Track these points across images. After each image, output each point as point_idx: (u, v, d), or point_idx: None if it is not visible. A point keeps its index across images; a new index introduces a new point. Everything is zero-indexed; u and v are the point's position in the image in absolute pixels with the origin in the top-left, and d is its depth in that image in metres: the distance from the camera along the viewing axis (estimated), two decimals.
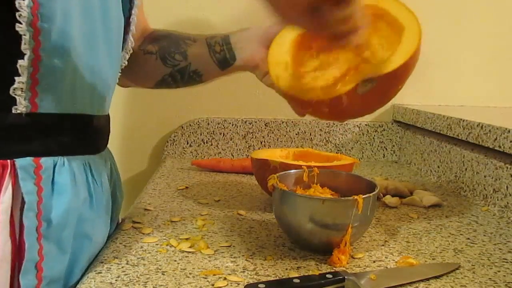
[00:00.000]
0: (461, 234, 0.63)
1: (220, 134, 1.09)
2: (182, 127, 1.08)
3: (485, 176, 0.76)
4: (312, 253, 0.55)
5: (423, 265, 0.53)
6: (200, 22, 1.05)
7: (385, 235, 0.62)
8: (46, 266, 0.45)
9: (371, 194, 0.53)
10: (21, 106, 0.44)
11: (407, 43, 0.52)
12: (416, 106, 1.05)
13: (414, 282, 0.48)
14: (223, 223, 0.65)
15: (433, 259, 0.55)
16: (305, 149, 0.82)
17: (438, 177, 0.92)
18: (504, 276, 0.51)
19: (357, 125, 1.10)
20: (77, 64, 0.47)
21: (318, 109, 0.55)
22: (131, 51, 0.63)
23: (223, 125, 1.08)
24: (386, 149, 1.12)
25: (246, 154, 1.09)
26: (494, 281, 0.49)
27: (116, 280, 0.47)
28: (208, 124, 1.08)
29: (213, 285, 0.46)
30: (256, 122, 1.08)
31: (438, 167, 0.92)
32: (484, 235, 0.63)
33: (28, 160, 0.45)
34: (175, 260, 0.52)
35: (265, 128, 1.09)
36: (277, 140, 1.09)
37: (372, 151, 1.12)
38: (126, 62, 0.63)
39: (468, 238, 0.62)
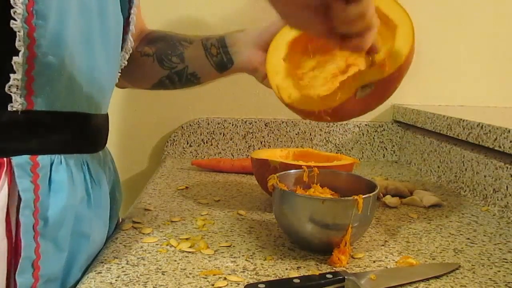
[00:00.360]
0: (461, 234, 0.63)
1: (220, 134, 1.09)
2: (182, 127, 1.08)
3: (485, 176, 0.76)
4: (312, 253, 0.55)
5: (423, 265, 0.53)
6: (196, 22, 1.05)
7: (385, 235, 0.62)
8: (43, 265, 0.45)
9: (371, 194, 0.53)
10: (17, 104, 0.44)
11: (402, 44, 0.52)
12: (416, 106, 1.05)
13: (414, 282, 0.48)
14: (223, 223, 0.65)
15: (433, 259, 0.55)
16: (305, 149, 0.82)
17: (438, 177, 0.92)
18: (504, 276, 0.51)
19: (357, 125, 1.10)
20: (73, 62, 0.47)
21: (320, 117, 0.56)
22: (131, 51, 0.63)
23: (223, 125, 1.08)
24: (386, 149, 1.12)
25: (246, 154, 1.09)
26: (494, 281, 0.49)
27: (116, 280, 0.47)
28: (208, 124, 1.08)
29: (213, 285, 0.46)
30: (256, 122, 1.08)
31: (438, 167, 0.92)
32: (484, 235, 0.63)
33: (25, 158, 0.45)
34: (175, 260, 0.52)
35: (265, 128, 1.09)
36: (277, 140, 1.09)
37: (372, 151, 1.12)
38: (126, 62, 0.63)
39: (468, 238, 0.62)
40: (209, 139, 1.09)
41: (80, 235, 0.50)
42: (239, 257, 0.53)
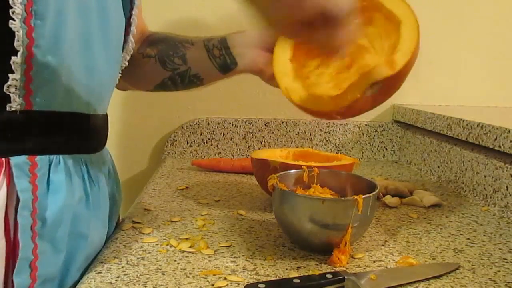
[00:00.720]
0: (461, 234, 0.63)
1: (220, 134, 1.09)
2: (182, 127, 1.08)
3: (485, 176, 0.76)
4: (312, 253, 0.55)
5: (423, 265, 0.53)
6: (197, 23, 1.05)
7: (385, 235, 0.62)
8: (41, 265, 0.45)
9: (371, 194, 0.53)
10: (15, 104, 0.44)
11: (407, 40, 0.52)
12: (416, 106, 1.05)
13: (414, 282, 0.48)
14: (223, 223, 0.65)
15: (433, 259, 0.55)
16: (305, 149, 0.82)
17: (438, 177, 0.92)
18: (504, 276, 0.51)
19: (357, 125, 1.10)
20: (71, 63, 0.47)
21: (331, 117, 0.56)
22: (132, 52, 0.63)
23: (223, 125, 1.08)
24: (386, 149, 1.12)
25: (246, 154, 1.09)
26: (494, 281, 0.49)
27: (116, 280, 0.47)
28: (208, 124, 1.08)
29: (213, 285, 0.46)
30: (256, 122, 1.08)
31: (438, 167, 0.92)
32: (484, 235, 0.63)
33: (23, 158, 0.45)
34: (175, 260, 0.52)
35: (265, 128, 1.09)
36: (277, 140, 1.09)
37: (372, 151, 1.12)
38: (127, 63, 0.63)
39: (468, 238, 0.62)
40: (209, 139, 1.09)
41: (78, 235, 0.50)
42: (239, 257, 0.53)
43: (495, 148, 0.71)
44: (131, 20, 0.61)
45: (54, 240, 0.47)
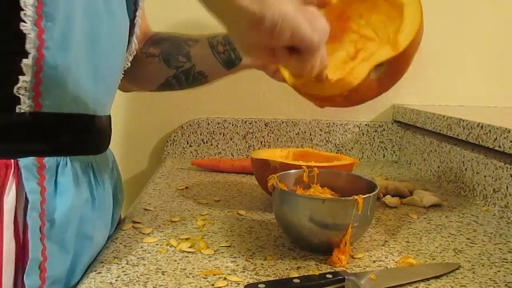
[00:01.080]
0: (461, 234, 0.63)
1: (220, 134, 1.08)
2: (182, 127, 1.08)
3: (485, 176, 0.76)
4: (312, 253, 0.55)
5: (423, 265, 0.53)
6: (199, 23, 1.05)
7: (385, 235, 0.62)
8: (49, 266, 0.45)
9: (371, 194, 0.53)
10: (25, 105, 0.44)
11: (410, 20, 0.52)
12: (416, 106, 1.05)
13: (414, 282, 0.48)
14: (223, 223, 0.65)
15: (433, 259, 0.55)
16: (305, 149, 0.82)
17: (438, 177, 0.92)
18: (504, 276, 0.51)
19: (357, 125, 1.10)
20: (79, 64, 0.47)
21: (336, 102, 0.55)
22: (134, 53, 0.63)
23: (223, 125, 1.08)
24: (386, 149, 1.12)
25: (246, 154, 1.09)
26: (494, 281, 0.49)
27: (116, 280, 0.47)
28: (208, 124, 1.08)
29: (213, 285, 0.46)
30: (256, 122, 1.08)
31: (438, 167, 0.92)
32: (484, 235, 0.63)
33: (31, 159, 0.45)
34: (175, 260, 0.52)
35: (265, 128, 1.09)
36: (277, 140, 1.09)
37: (372, 151, 1.12)
38: (129, 64, 0.63)
39: (468, 238, 0.62)
40: (209, 139, 1.09)
41: (84, 236, 0.50)
42: (239, 257, 0.53)
43: (495, 148, 0.71)
44: (135, 21, 0.61)
45: (62, 242, 0.47)
